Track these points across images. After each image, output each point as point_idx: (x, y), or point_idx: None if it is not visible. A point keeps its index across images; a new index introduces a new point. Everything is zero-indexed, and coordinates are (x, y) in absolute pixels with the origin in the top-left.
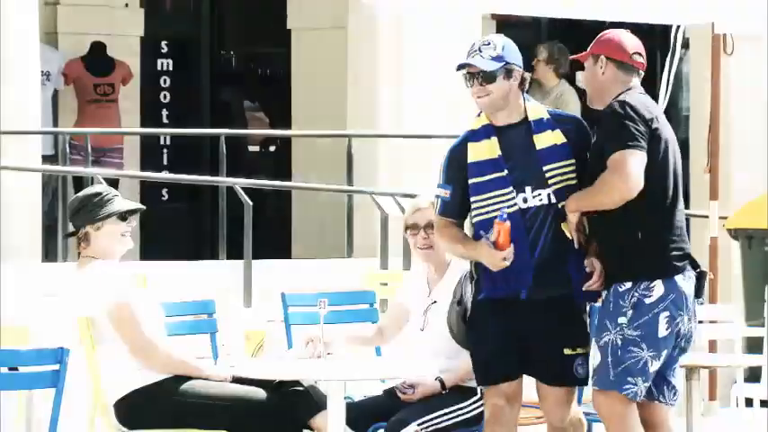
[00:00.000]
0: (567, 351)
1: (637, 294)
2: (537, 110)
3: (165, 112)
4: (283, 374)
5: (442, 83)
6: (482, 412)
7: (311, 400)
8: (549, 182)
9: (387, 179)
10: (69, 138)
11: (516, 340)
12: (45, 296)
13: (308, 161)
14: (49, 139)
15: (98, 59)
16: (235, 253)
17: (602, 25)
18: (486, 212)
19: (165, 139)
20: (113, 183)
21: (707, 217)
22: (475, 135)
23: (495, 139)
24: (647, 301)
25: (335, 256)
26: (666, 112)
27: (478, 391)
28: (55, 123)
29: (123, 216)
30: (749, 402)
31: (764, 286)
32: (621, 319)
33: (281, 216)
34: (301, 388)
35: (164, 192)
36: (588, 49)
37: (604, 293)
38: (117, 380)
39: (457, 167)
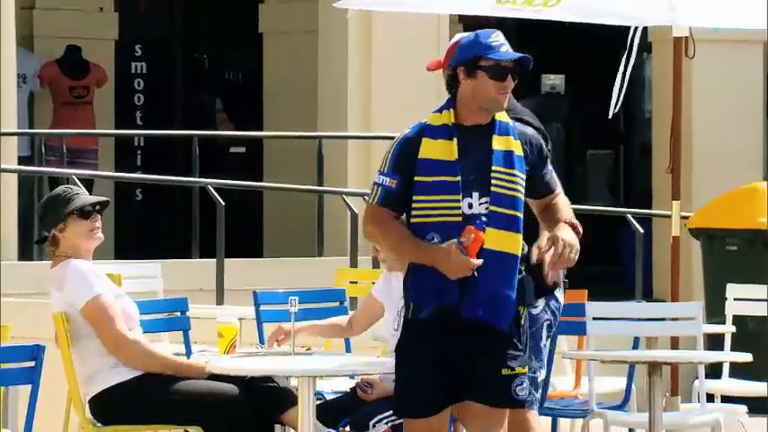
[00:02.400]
0: (504, 372)
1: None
2: (504, 114)
3: (139, 114)
4: (255, 371)
5: (410, 85)
6: None
7: (282, 396)
8: (492, 183)
9: (356, 179)
10: (45, 139)
11: (451, 365)
12: (21, 294)
13: (280, 162)
14: (25, 141)
15: (73, 62)
16: (207, 252)
17: (569, 30)
18: (427, 216)
19: (138, 140)
20: (88, 183)
21: (669, 216)
22: (434, 131)
23: (455, 142)
24: (534, 311)
25: (306, 255)
26: (629, 114)
27: None
28: (31, 125)
29: (85, 213)
30: (710, 398)
31: (725, 284)
32: None
33: (252, 216)
34: (273, 384)
35: (138, 192)
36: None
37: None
38: (92, 376)
39: (406, 159)
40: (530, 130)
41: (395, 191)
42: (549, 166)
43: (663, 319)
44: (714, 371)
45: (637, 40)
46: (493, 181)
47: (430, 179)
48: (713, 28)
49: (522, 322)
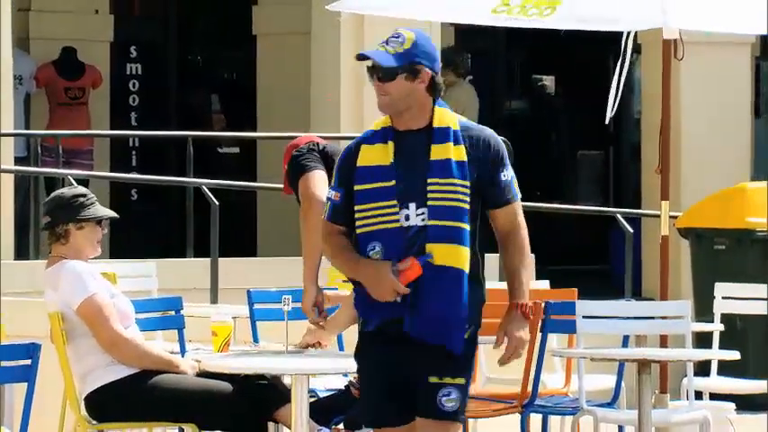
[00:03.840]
0: (432, 379)
1: None
2: (446, 118)
3: (134, 115)
4: (249, 368)
5: None
6: None
7: (276, 394)
8: (428, 196)
9: None
10: (41, 140)
11: (399, 378)
12: (17, 293)
13: (273, 162)
14: (21, 141)
15: (69, 64)
16: (202, 251)
17: (558, 32)
18: (369, 225)
19: (133, 140)
20: (84, 183)
21: (658, 216)
22: (372, 137)
23: (391, 145)
24: None
25: (299, 255)
26: (618, 115)
27: None
28: (27, 126)
29: (101, 222)
30: (699, 395)
31: (713, 283)
32: None
33: (246, 215)
34: (266, 382)
35: (133, 192)
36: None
37: None
38: (88, 374)
39: (348, 170)
40: (486, 132)
41: (339, 204)
42: (505, 175)
43: (652, 318)
44: (703, 369)
45: (630, 45)
46: (429, 194)
47: (367, 187)
48: (704, 31)
49: (467, 336)
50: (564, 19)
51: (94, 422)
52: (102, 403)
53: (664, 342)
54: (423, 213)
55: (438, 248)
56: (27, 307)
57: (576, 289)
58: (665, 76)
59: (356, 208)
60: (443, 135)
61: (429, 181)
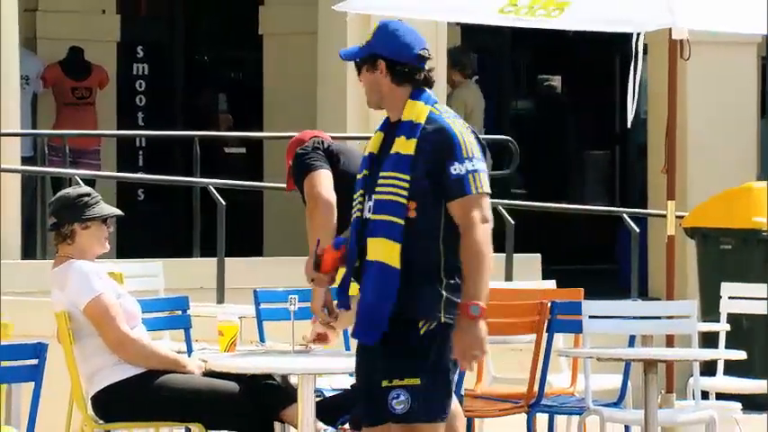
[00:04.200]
0: (383, 383)
1: None
2: (415, 112)
3: (140, 115)
4: (255, 368)
5: None
6: None
7: (282, 393)
8: (376, 189)
9: None
10: (48, 140)
11: (368, 379)
12: (23, 293)
13: (280, 162)
14: (28, 141)
15: (76, 64)
16: (208, 251)
17: (565, 32)
18: (353, 213)
19: (140, 140)
20: (91, 183)
21: (664, 216)
22: (381, 125)
23: (380, 135)
24: None
25: (306, 254)
26: (624, 115)
27: None
28: (34, 126)
29: (106, 220)
30: (705, 395)
31: (719, 283)
32: None
33: (253, 215)
34: (273, 381)
35: (139, 192)
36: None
37: None
38: (94, 374)
39: None
40: (443, 126)
41: None
42: (456, 169)
43: (658, 318)
44: (709, 368)
45: (641, 46)
46: (377, 188)
47: (359, 175)
48: (711, 31)
49: (422, 333)
50: (572, 20)
51: (101, 422)
52: (109, 403)
53: (670, 342)
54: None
55: (372, 243)
56: (34, 307)
57: (582, 289)
58: (672, 76)
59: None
60: (403, 129)
61: (380, 175)
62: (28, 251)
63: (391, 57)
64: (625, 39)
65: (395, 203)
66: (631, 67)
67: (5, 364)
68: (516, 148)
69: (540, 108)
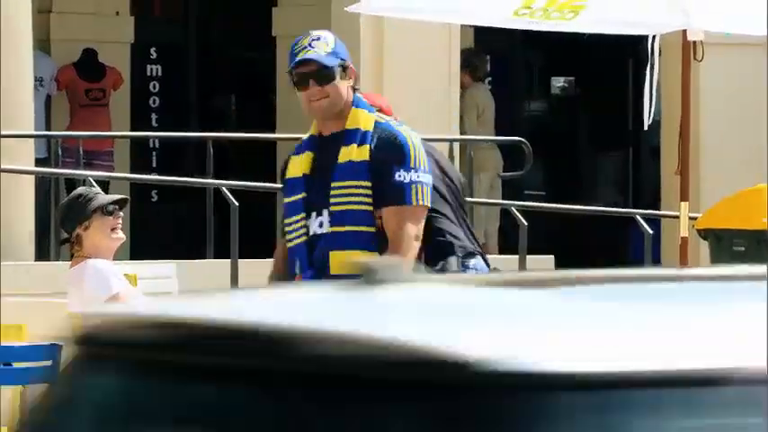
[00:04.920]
0: None
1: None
2: (361, 119)
3: (154, 116)
4: None
5: (421, 88)
6: None
7: None
8: (330, 201)
9: None
10: (61, 141)
11: None
12: (38, 294)
13: None
14: (42, 143)
15: (89, 65)
16: (221, 252)
17: (579, 34)
18: (290, 239)
19: (154, 142)
20: (104, 184)
21: (677, 217)
22: (299, 147)
23: (309, 155)
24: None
25: None
26: (637, 116)
27: None
28: (48, 127)
29: (108, 210)
30: None
31: None
32: None
33: (266, 216)
34: None
35: (153, 193)
36: None
37: None
38: None
39: (283, 183)
40: (395, 132)
41: (282, 219)
42: (401, 176)
43: None
44: None
45: (657, 48)
46: (331, 199)
47: (288, 200)
48: (725, 32)
49: None
50: (587, 23)
51: None
52: None
53: None
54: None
55: (340, 256)
56: (48, 308)
57: None
58: (685, 77)
59: (283, 222)
60: (352, 137)
61: (332, 185)
62: (41, 252)
63: (350, 63)
64: (638, 39)
65: (360, 212)
66: (647, 70)
67: (20, 365)
68: (529, 149)
69: (553, 109)
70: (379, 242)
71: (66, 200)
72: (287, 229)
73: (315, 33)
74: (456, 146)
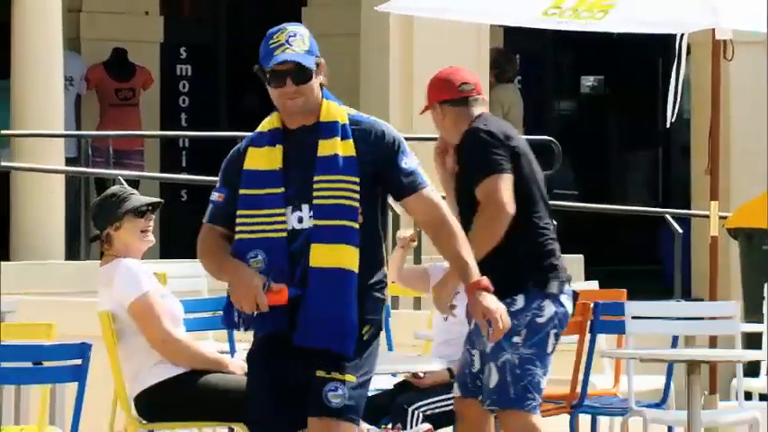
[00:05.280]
0: (319, 373)
1: (530, 314)
2: (334, 112)
3: (183, 116)
4: None
5: None
6: None
7: None
8: (313, 195)
9: None
10: (91, 140)
11: (289, 389)
12: (68, 293)
13: None
14: (72, 142)
15: (119, 65)
16: None
17: (608, 33)
18: (252, 231)
19: (183, 141)
20: (134, 184)
21: (707, 217)
22: (260, 139)
23: (279, 148)
24: (539, 320)
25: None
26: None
27: None
28: (78, 127)
29: (140, 212)
30: (748, 396)
31: (763, 283)
32: (516, 339)
33: None
34: None
35: (182, 192)
36: (426, 100)
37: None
38: (137, 374)
39: (234, 171)
40: (378, 124)
41: (221, 205)
42: (407, 163)
43: (701, 318)
44: (752, 369)
45: (684, 47)
46: (315, 192)
47: (253, 192)
48: (754, 31)
49: (365, 337)
50: (616, 22)
51: (144, 422)
52: (152, 403)
53: (713, 343)
54: (312, 214)
55: (322, 249)
56: (78, 307)
57: (625, 290)
58: (715, 76)
59: (239, 212)
60: (330, 130)
61: (315, 179)
62: (72, 252)
63: (320, 58)
64: (668, 38)
65: (346, 207)
66: (673, 68)
67: (50, 364)
68: (559, 148)
69: (582, 108)
70: (362, 238)
71: (100, 198)
72: (246, 220)
73: (290, 29)
74: None
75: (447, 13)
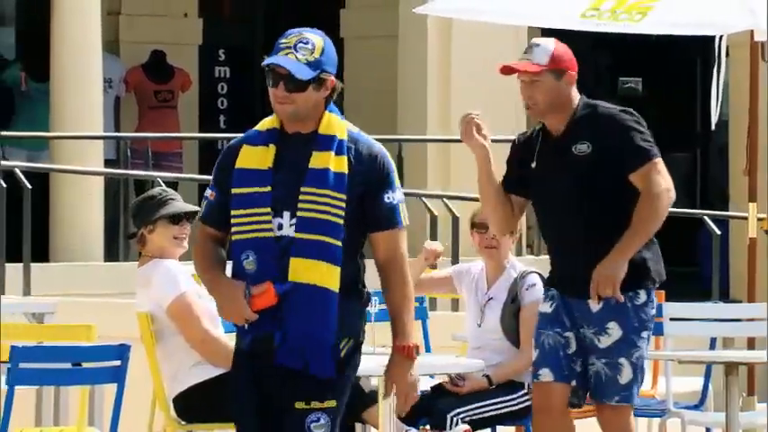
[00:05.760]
0: (298, 405)
1: (651, 309)
2: (333, 125)
3: (222, 118)
4: None
5: (489, 87)
6: (530, 405)
7: (363, 395)
8: (299, 206)
9: (436, 181)
10: (130, 142)
11: (272, 402)
12: (107, 294)
13: None
14: (111, 144)
15: (158, 67)
16: None
17: (648, 37)
18: (243, 232)
19: (222, 143)
20: (173, 185)
21: (746, 218)
22: (255, 137)
23: (272, 148)
24: (652, 312)
25: None
26: (706, 117)
27: (526, 385)
28: (117, 129)
29: (175, 219)
30: None
31: None
32: (645, 334)
33: None
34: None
35: None
36: (548, 63)
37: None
38: (176, 375)
39: (226, 170)
40: (375, 147)
41: (212, 204)
42: (390, 198)
43: (739, 320)
44: None
45: (724, 48)
46: (300, 204)
47: (243, 191)
48: None
49: (342, 355)
50: (655, 24)
51: (183, 423)
52: (190, 404)
53: (751, 344)
54: (294, 225)
55: (302, 264)
56: (116, 308)
57: (663, 291)
58: (753, 77)
59: (232, 213)
60: (326, 143)
61: (302, 190)
62: (110, 253)
63: (333, 72)
64: (706, 39)
65: (330, 223)
66: (714, 70)
67: (89, 365)
68: None
69: None
70: (343, 257)
71: (141, 198)
72: (238, 220)
73: (305, 35)
74: None
75: (485, 16)
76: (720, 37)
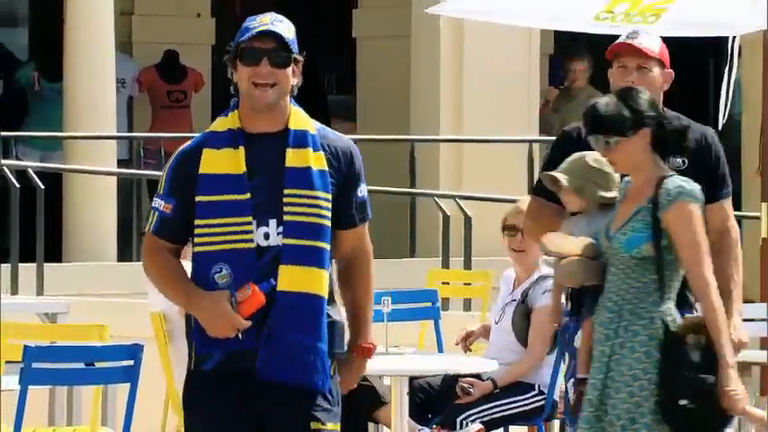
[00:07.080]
0: (313, 426)
1: None
2: (301, 120)
3: None
4: None
5: (501, 88)
6: (542, 406)
7: (376, 394)
8: (284, 210)
9: (448, 181)
10: (143, 142)
11: (254, 423)
12: (120, 294)
13: (373, 164)
14: (124, 144)
15: (171, 67)
16: None
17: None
18: (214, 243)
19: None
20: None
21: (758, 218)
22: (217, 139)
23: (242, 150)
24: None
25: (399, 256)
26: (718, 117)
27: (536, 386)
28: (130, 129)
29: None
30: None
31: None
32: None
33: None
34: (366, 382)
35: None
36: (659, 53)
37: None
38: None
39: (185, 177)
40: (345, 141)
41: (170, 216)
42: (362, 191)
43: (753, 320)
44: None
45: (736, 49)
46: (286, 207)
47: (214, 198)
48: None
49: (332, 373)
50: (669, 26)
51: None
52: None
53: (764, 344)
54: (281, 231)
55: (292, 271)
56: (130, 308)
57: None
58: (766, 78)
59: (198, 222)
60: (301, 139)
61: (286, 192)
62: (124, 253)
63: (299, 55)
64: (719, 40)
65: (318, 226)
66: (726, 70)
67: (102, 365)
68: None
69: None
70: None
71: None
72: (207, 230)
73: (278, 17)
74: (536, 147)
75: (497, 17)
76: (734, 38)
